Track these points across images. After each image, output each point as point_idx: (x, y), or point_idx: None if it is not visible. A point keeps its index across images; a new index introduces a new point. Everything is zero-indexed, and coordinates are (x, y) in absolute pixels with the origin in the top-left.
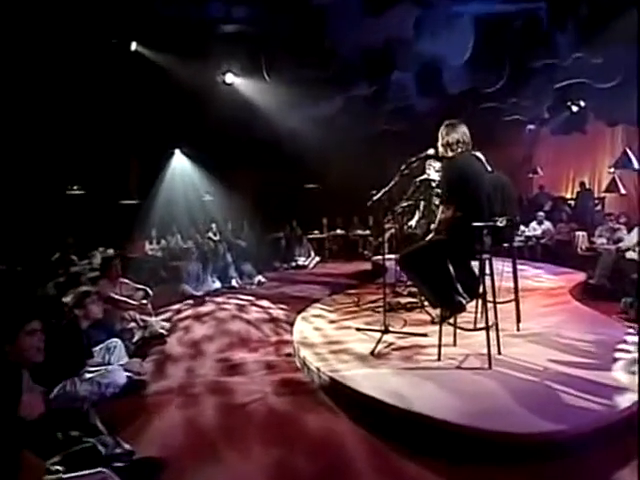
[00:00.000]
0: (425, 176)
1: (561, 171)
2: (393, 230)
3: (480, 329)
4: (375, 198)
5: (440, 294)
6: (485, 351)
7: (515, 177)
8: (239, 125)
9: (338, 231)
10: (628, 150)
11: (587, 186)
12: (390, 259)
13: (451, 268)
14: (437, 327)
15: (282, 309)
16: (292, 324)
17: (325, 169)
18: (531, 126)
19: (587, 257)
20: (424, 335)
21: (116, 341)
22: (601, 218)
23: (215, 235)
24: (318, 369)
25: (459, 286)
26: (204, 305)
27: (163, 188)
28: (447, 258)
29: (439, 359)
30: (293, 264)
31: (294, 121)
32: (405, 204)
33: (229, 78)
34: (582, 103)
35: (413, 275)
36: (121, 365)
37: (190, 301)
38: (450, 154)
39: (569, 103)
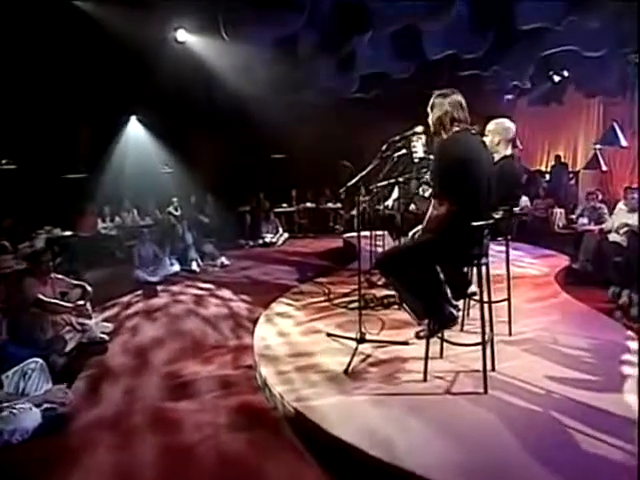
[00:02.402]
0: (404, 151)
1: (536, 144)
2: (366, 206)
3: (474, 344)
4: (350, 184)
5: (427, 304)
6: (477, 366)
7: None
8: (197, 89)
9: (308, 204)
10: (615, 125)
11: (562, 160)
12: (363, 237)
13: (440, 273)
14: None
15: (245, 301)
16: (255, 321)
17: (294, 138)
18: (509, 96)
19: (565, 236)
20: (405, 343)
21: (36, 362)
22: (576, 193)
23: (176, 210)
24: (281, 395)
25: (448, 291)
26: (157, 297)
27: (116, 159)
28: (437, 262)
29: (425, 379)
30: (260, 241)
31: (258, 85)
32: (382, 184)
33: (181, 35)
34: (565, 73)
35: (394, 281)
36: (40, 396)
37: (143, 291)
38: (444, 134)
39: (551, 73)
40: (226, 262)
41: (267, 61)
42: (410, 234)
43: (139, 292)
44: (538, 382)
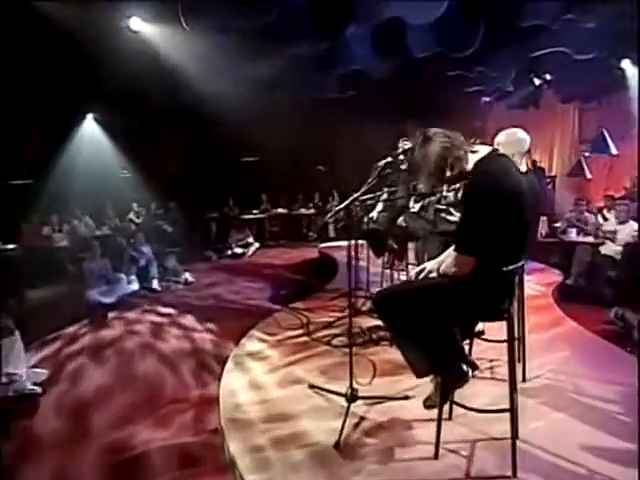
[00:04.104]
0: (389, 159)
1: None
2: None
3: (499, 411)
4: (339, 208)
5: (434, 360)
6: (495, 430)
7: None
8: (159, 85)
9: (280, 210)
10: (605, 133)
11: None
12: (339, 247)
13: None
14: (417, 380)
15: (211, 331)
16: (222, 363)
17: (265, 139)
18: (487, 98)
19: (550, 245)
20: (405, 398)
21: None
22: (553, 200)
23: (138, 217)
24: None
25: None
26: (109, 325)
27: (68, 162)
28: (456, 315)
29: (436, 456)
30: (229, 252)
31: (226, 82)
32: (368, 196)
33: (135, 24)
34: (547, 76)
35: (394, 327)
36: None
37: (90, 319)
38: (463, 167)
39: (532, 76)
40: (190, 279)
41: (236, 56)
42: (415, 271)
43: (87, 320)
44: (572, 455)
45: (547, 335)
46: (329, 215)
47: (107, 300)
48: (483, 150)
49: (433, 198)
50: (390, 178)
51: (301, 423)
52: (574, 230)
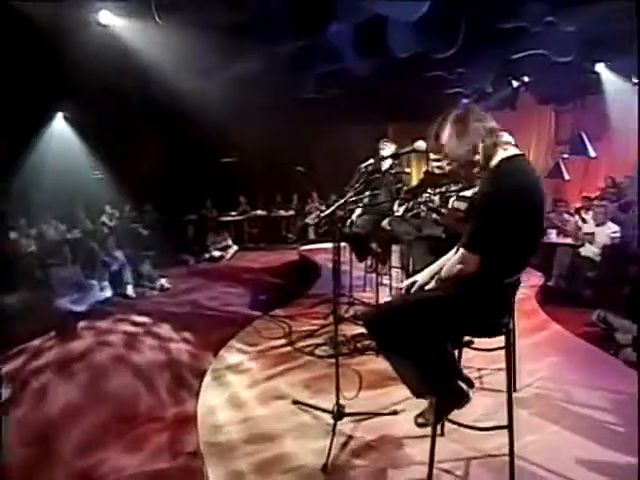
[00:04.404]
0: (371, 161)
1: None
2: (319, 212)
3: (493, 428)
4: (326, 214)
5: (433, 380)
6: (489, 446)
7: None
8: (132, 82)
9: (258, 212)
10: (583, 135)
11: None
12: (320, 250)
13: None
14: (406, 392)
15: (188, 342)
16: (200, 376)
17: (243, 139)
18: (465, 100)
19: None
20: (393, 413)
21: None
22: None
23: (111, 220)
24: None
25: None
26: (79, 337)
27: (36, 162)
28: (452, 331)
29: (430, 478)
30: (206, 256)
31: (203, 80)
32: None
33: (104, 17)
34: (525, 79)
35: (388, 348)
36: None
37: (57, 331)
38: (490, 159)
39: (510, 78)
40: (167, 285)
41: (213, 53)
42: (404, 285)
43: (55, 332)
44: (570, 471)
45: (533, 340)
46: (314, 221)
47: (78, 308)
48: (511, 149)
49: (420, 200)
50: (373, 181)
51: (286, 444)
52: (554, 231)
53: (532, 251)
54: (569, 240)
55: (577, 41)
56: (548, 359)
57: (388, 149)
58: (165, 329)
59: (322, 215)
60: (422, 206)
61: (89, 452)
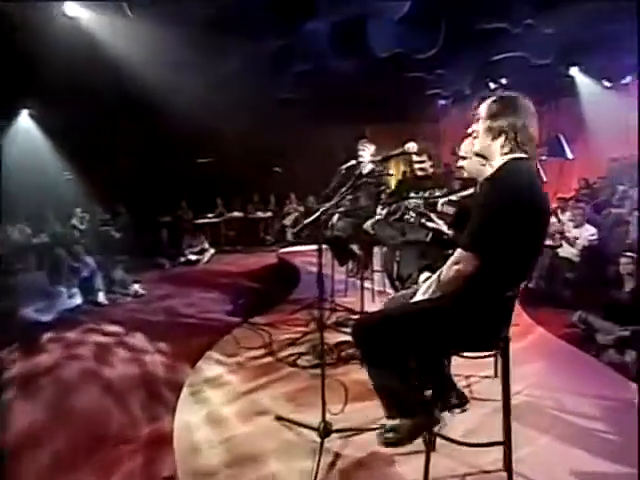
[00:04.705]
0: (353, 162)
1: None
2: (297, 214)
3: (491, 445)
4: (310, 220)
5: (416, 398)
6: (482, 461)
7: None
8: (103, 79)
9: (235, 213)
10: (561, 137)
11: None
12: (299, 252)
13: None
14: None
15: (163, 353)
16: (177, 389)
17: (220, 140)
18: (443, 102)
19: None
20: (382, 428)
21: None
22: None
23: (82, 223)
24: None
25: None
26: (44, 349)
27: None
28: (445, 343)
29: None
30: (182, 259)
31: (178, 78)
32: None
33: (71, 9)
34: (503, 81)
35: (380, 364)
36: None
37: (20, 344)
38: (498, 159)
39: (488, 80)
40: (141, 291)
41: (187, 49)
42: (412, 297)
43: (18, 344)
44: None
45: (521, 345)
46: (297, 228)
47: (44, 318)
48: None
49: (407, 205)
50: (360, 187)
51: (270, 465)
52: None
53: (536, 254)
54: (548, 241)
55: (555, 44)
56: (534, 364)
57: (367, 150)
58: (138, 339)
59: (306, 222)
60: (411, 212)
61: (54, 478)
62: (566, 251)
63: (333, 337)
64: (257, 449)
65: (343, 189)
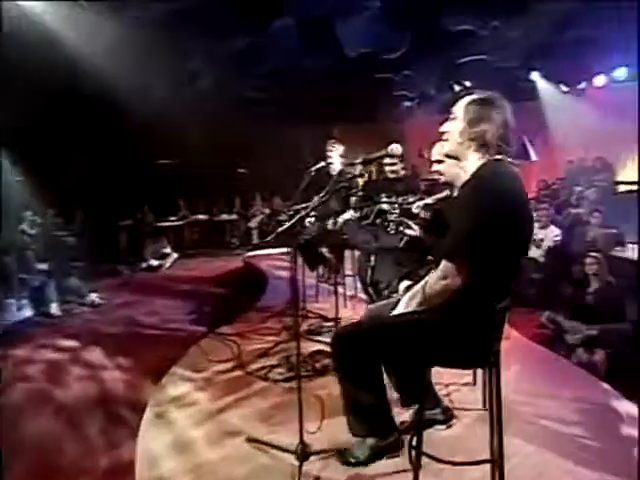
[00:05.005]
0: (323, 163)
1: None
2: (262, 215)
3: (481, 462)
4: (284, 228)
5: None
6: (471, 477)
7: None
8: (56, 75)
9: (199, 216)
10: (525, 140)
11: None
12: (265, 256)
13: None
14: None
15: (123, 369)
16: (140, 411)
17: (183, 139)
18: (408, 103)
19: None
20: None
21: None
22: None
23: (32, 228)
24: None
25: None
26: None
27: None
28: (432, 357)
29: None
30: (143, 265)
31: (138, 75)
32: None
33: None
34: (467, 83)
35: (357, 380)
36: None
37: None
38: (474, 160)
39: (452, 82)
40: (98, 300)
41: (148, 45)
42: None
43: None
44: None
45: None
46: (272, 235)
47: None
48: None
49: (376, 207)
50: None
51: None
52: None
53: (523, 257)
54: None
55: (518, 48)
56: (512, 368)
57: (336, 150)
58: (96, 354)
59: (282, 229)
60: (391, 224)
61: None
62: (532, 252)
63: (306, 346)
64: (229, 476)
65: (322, 194)
